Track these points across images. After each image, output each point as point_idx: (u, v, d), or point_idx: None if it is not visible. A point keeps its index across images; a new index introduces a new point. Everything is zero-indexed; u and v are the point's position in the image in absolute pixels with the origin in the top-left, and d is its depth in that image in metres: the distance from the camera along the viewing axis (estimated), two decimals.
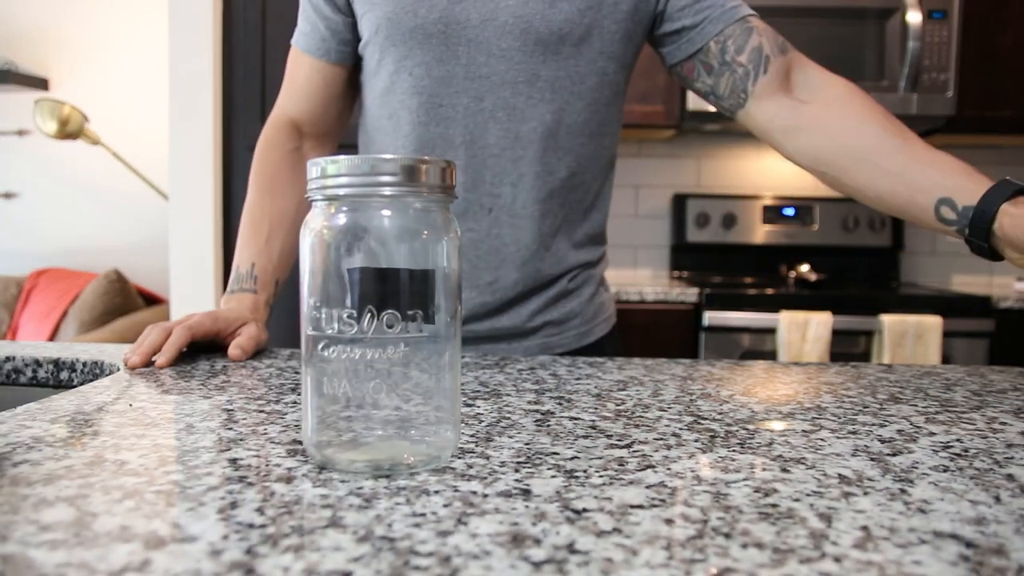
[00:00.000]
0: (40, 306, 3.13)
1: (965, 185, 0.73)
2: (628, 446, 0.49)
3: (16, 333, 3.14)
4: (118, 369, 0.76)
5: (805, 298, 2.07)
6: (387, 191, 0.41)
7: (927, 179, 0.76)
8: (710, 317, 2.05)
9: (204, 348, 0.81)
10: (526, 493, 0.40)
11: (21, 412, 0.54)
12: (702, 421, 0.56)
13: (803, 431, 0.54)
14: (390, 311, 0.41)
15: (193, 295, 2.32)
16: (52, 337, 3.04)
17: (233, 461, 0.44)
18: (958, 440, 0.52)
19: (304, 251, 0.43)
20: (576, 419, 0.56)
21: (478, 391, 0.65)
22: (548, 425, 0.54)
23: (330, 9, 0.92)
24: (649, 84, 2.25)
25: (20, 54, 3.40)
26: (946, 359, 2.01)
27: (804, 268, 2.53)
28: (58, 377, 0.81)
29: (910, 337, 1.98)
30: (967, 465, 0.46)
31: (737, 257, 2.60)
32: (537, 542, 0.33)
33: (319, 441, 0.43)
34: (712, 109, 1.51)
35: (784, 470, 0.44)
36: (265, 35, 2.31)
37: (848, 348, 2.05)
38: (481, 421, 0.55)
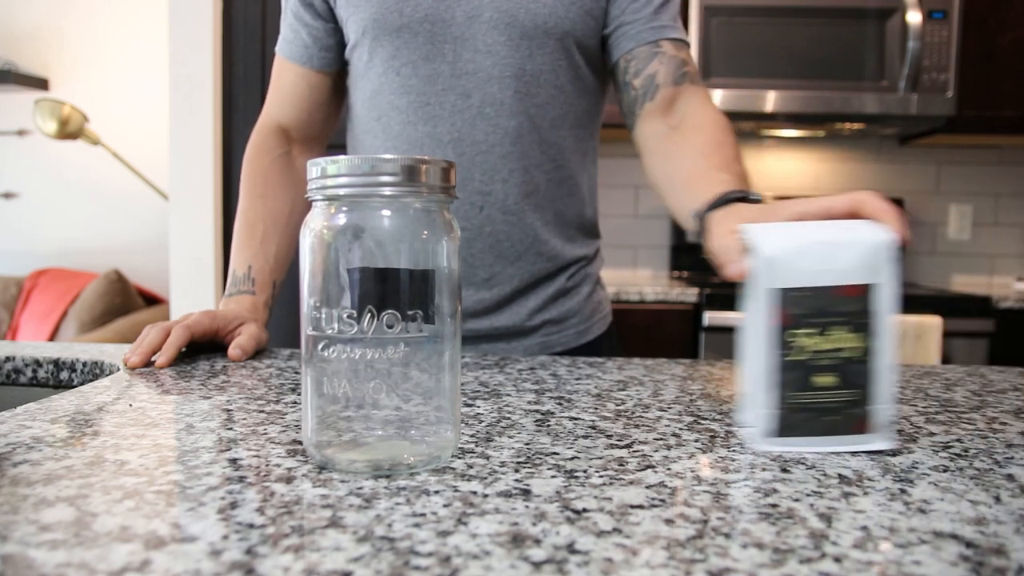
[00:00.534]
0: (40, 306, 3.13)
1: (706, 194, 0.75)
2: (628, 446, 0.49)
3: (16, 333, 3.14)
4: (118, 369, 0.76)
5: None
6: (387, 191, 0.41)
7: (696, 199, 0.78)
8: (710, 317, 2.05)
9: (204, 348, 0.81)
10: (526, 493, 0.40)
11: (21, 412, 0.54)
12: (702, 421, 0.56)
13: None
14: (390, 311, 0.41)
15: (193, 295, 2.32)
16: (52, 337, 3.04)
17: (233, 461, 0.44)
18: (958, 440, 0.52)
19: (304, 251, 0.43)
20: (576, 419, 0.56)
21: (478, 391, 0.65)
22: (548, 425, 0.54)
23: (311, 16, 0.93)
24: None
25: (20, 54, 3.40)
26: (946, 359, 2.01)
27: None
28: (58, 377, 0.81)
29: (910, 337, 1.98)
30: (967, 465, 0.46)
31: None
32: (537, 542, 0.33)
33: (319, 441, 0.43)
34: None
35: (784, 470, 0.44)
36: (265, 35, 2.31)
37: None
38: (481, 421, 0.55)
